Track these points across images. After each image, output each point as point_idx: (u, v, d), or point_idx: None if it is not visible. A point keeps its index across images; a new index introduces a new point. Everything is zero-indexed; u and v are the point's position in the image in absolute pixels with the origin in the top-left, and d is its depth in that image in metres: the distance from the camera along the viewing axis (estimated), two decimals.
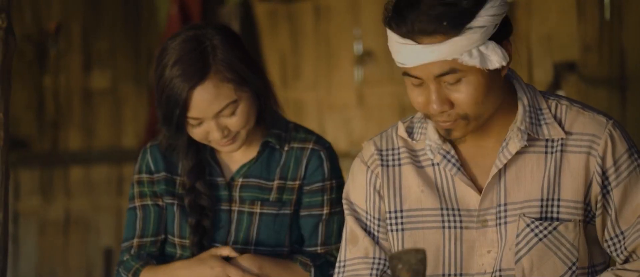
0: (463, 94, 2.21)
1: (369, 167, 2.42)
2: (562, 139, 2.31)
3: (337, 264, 2.45)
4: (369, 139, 2.46)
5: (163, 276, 2.67)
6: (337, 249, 2.56)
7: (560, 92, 4.04)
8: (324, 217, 2.69)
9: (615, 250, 2.32)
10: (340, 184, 2.70)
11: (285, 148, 2.70)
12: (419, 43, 2.18)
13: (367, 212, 2.41)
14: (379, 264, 2.38)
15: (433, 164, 2.36)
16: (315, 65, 5.19)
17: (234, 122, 2.58)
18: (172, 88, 2.55)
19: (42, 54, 5.73)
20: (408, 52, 2.20)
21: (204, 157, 2.72)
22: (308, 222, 2.69)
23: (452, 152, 2.33)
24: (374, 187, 2.40)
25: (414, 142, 2.39)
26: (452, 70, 2.19)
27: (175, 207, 2.70)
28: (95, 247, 5.74)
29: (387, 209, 2.38)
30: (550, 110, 2.34)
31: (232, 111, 2.57)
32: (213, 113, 2.56)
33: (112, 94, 5.75)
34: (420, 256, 1.95)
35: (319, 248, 2.69)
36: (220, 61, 2.56)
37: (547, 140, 2.31)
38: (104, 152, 5.75)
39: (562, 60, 4.06)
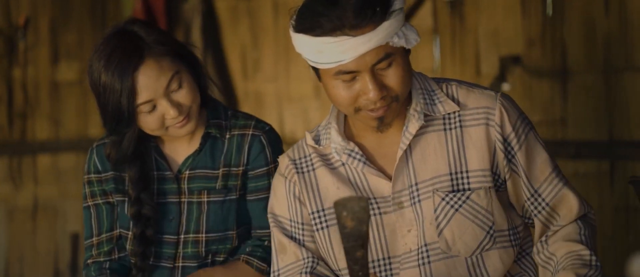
0: (394, 77, 2.24)
1: (286, 177, 2.45)
2: (459, 115, 2.34)
3: (271, 275, 2.47)
4: (283, 154, 2.50)
5: None
6: None
7: (506, 85, 4.08)
8: None
9: (535, 208, 2.36)
10: None
11: (227, 136, 2.67)
12: (353, 36, 2.17)
13: (291, 220, 2.45)
14: (308, 262, 2.42)
15: (343, 164, 2.40)
16: (274, 58, 5.19)
17: (183, 94, 2.53)
18: (115, 82, 2.48)
19: (11, 47, 5.69)
20: (344, 48, 2.19)
21: (149, 160, 2.67)
22: (256, 206, 2.68)
23: (356, 149, 2.37)
24: (294, 195, 2.43)
25: (321, 147, 2.42)
26: (387, 55, 2.22)
27: (125, 204, 2.68)
28: (63, 232, 5.71)
29: (310, 211, 2.42)
30: (442, 90, 2.37)
31: (178, 84, 2.52)
32: (162, 88, 2.50)
33: (79, 85, 5.71)
34: (363, 204, 1.96)
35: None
36: (152, 41, 2.52)
37: (444, 117, 2.35)
38: (71, 141, 5.72)
39: (507, 54, 4.09)
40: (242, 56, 5.31)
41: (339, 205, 1.97)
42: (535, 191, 2.35)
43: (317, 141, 2.43)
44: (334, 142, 2.38)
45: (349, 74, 2.23)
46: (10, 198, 5.72)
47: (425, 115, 2.34)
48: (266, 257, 2.65)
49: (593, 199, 3.77)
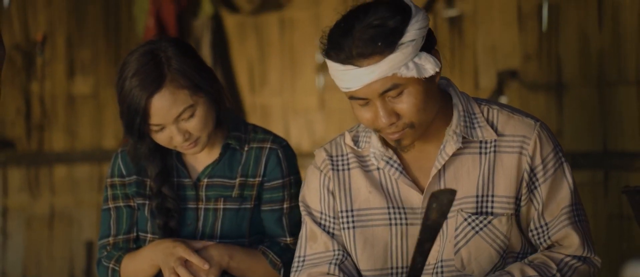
0: (406, 105, 2.22)
1: (321, 171, 2.43)
2: (495, 140, 2.32)
3: (295, 260, 2.45)
4: (320, 147, 2.47)
5: (137, 255, 2.68)
6: None
7: (503, 98, 4.06)
8: (285, 210, 2.69)
9: (539, 239, 2.35)
10: (297, 180, 2.72)
11: (245, 148, 2.69)
12: (359, 66, 2.18)
13: (322, 213, 2.42)
14: (338, 254, 2.39)
15: (378, 168, 2.38)
16: (280, 72, 5.19)
17: (193, 125, 2.56)
18: (132, 98, 2.52)
19: (29, 62, 5.69)
20: (351, 77, 2.20)
21: (170, 161, 2.70)
22: (270, 216, 2.69)
23: (395, 157, 2.35)
24: (328, 189, 2.41)
25: (360, 149, 2.40)
26: (394, 86, 2.20)
27: (146, 208, 2.69)
28: (78, 240, 5.71)
29: (339, 209, 2.39)
30: (483, 115, 2.35)
31: (191, 115, 2.55)
32: (172, 118, 2.54)
33: (94, 99, 5.72)
34: (451, 197, 1.96)
35: (288, 239, 2.70)
36: (174, 70, 2.54)
37: (481, 141, 2.33)
38: (86, 152, 5.71)
39: (505, 68, 4.08)
40: (250, 70, 5.31)
41: (433, 197, 1.95)
42: (545, 224, 2.33)
43: (355, 141, 2.42)
44: (373, 147, 2.36)
45: (362, 100, 2.23)
46: (28, 207, 5.72)
47: (463, 138, 2.31)
48: (281, 255, 2.66)
49: (588, 207, 3.75)
